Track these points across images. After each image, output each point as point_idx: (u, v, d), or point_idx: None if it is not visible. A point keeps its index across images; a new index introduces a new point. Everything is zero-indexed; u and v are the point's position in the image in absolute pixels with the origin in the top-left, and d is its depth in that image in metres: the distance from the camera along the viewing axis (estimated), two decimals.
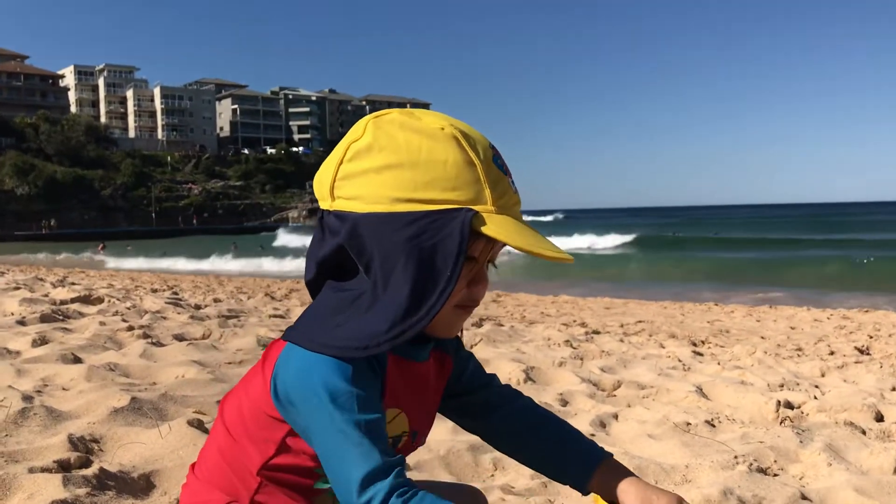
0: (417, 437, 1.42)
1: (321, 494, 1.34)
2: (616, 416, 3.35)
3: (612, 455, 1.48)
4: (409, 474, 2.38)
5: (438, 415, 1.59)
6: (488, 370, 1.58)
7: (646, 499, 1.41)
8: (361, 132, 1.25)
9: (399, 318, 1.21)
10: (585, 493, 1.48)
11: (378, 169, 1.21)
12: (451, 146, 1.22)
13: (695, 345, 6.71)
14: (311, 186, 1.47)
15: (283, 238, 57.94)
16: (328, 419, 1.20)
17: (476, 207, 1.21)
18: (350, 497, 1.20)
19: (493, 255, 1.30)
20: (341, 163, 1.24)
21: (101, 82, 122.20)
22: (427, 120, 1.24)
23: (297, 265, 28.29)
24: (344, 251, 1.24)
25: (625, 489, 1.42)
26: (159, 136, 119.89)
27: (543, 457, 1.52)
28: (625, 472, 1.44)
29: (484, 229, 1.20)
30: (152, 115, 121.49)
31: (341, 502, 1.22)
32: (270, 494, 1.30)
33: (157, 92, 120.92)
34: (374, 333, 1.21)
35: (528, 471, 2.45)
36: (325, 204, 1.27)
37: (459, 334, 1.48)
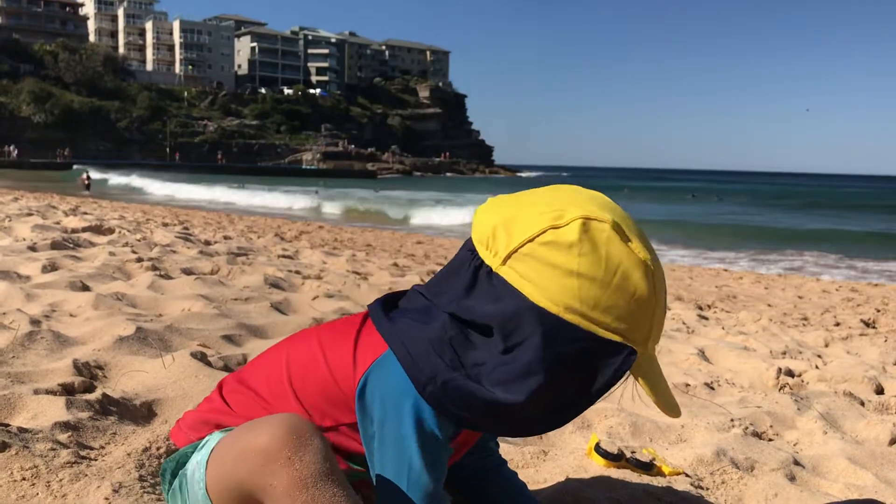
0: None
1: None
2: None
3: None
4: None
5: None
6: None
7: None
8: (566, 223, 1.18)
9: (531, 421, 1.25)
10: None
11: (569, 272, 1.17)
12: (644, 282, 1.19)
13: (701, 308, 6.72)
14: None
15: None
16: (405, 448, 1.26)
17: (638, 349, 1.21)
18: None
19: None
20: (532, 240, 1.19)
21: (120, 13, 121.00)
22: (635, 245, 1.19)
23: None
24: (488, 322, 1.21)
25: None
26: (177, 70, 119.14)
27: None
28: None
29: (635, 374, 1.23)
30: (171, 48, 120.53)
31: None
32: None
33: (176, 25, 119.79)
34: (499, 417, 1.23)
35: None
36: (490, 259, 1.23)
37: None
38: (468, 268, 1.25)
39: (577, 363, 1.19)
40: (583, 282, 1.16)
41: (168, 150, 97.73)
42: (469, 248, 1.26)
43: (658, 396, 1.23)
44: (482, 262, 1.23)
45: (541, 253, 1.18)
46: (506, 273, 1.20)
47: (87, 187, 37.58)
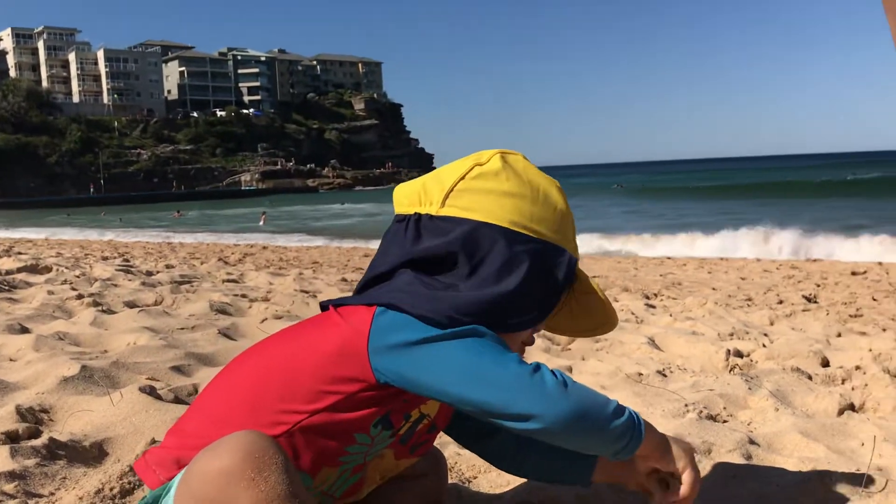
0: (435, 428, 1.47)
1: (335, 467, 1.34)
2: (570, 369, 3.40)
3: None
4: None
5: None
6: None
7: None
8: (488, 159, 1.37)
9: (519, 313, 1.33)
10: (588, 486, 1.63)
11: (503, 193, 1.34)
12: (560, 197, 1.40)
13: (648, 297, 6.81)
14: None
15: None
16: (461, 348, 1.25)
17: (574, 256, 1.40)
18: (513, 379, 1.23)
19: None
20: (463, 178, 1.35)
21: (40, 45, 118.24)
22: (541, 172, 1.41)
23: None
24: (448, 249, 1.32)
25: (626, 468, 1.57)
26: (105, 100, 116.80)
27: (542, 471, 1.64)
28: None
29: (579, 275, 1.41)
30: (97, 79, 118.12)
31: (495, 406, 1.24)
32: (297, 438, 1.28)
33: (100, 55, 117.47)
34: (479, 306, 1.29)
35: None
36: (427, 209, 1.35)
37: None
38: (408, 228, 1.35)
39: (535, 262, 1.33)
40: (516, 199, 1.33)
41: (102, 181, 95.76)
42: (398, 221, 1.38)
43: (604, 303, 1.43)
44: (420, 214, 1.35)
45: (474, 185, 1.34)
46: (447, 211, 1.33)
47: None
